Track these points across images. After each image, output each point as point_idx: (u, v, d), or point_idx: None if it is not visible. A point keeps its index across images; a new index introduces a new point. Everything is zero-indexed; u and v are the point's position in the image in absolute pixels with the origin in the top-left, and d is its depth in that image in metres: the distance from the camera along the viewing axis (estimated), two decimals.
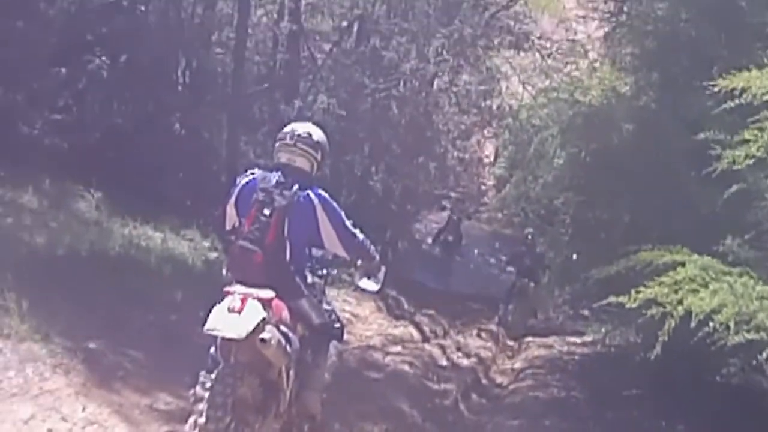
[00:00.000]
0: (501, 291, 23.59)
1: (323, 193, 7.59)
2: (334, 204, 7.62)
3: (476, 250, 32.96)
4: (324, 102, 22.61)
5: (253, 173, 7.77)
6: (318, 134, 7.84)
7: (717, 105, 9.82)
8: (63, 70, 19.04)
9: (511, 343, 20.43)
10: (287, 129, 7.84)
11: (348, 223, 7.68)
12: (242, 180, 7.77)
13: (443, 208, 31.58)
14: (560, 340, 19.82)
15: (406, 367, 14.97)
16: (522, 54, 26.37)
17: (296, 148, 7.67)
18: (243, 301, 6.98)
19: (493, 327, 21.56)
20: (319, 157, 7.78)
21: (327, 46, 25.87)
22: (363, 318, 18.64)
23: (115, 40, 21.03)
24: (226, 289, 7.17)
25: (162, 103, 21.69)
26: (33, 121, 19.10)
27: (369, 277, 8.32)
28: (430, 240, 31.12)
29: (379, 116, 24.70)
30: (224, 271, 7.77)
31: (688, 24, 12.96)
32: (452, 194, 33.11)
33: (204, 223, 18.08)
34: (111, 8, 21.37)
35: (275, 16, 24.48)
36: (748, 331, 8.35)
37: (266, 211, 7.42)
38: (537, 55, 25.19)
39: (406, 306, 22.25)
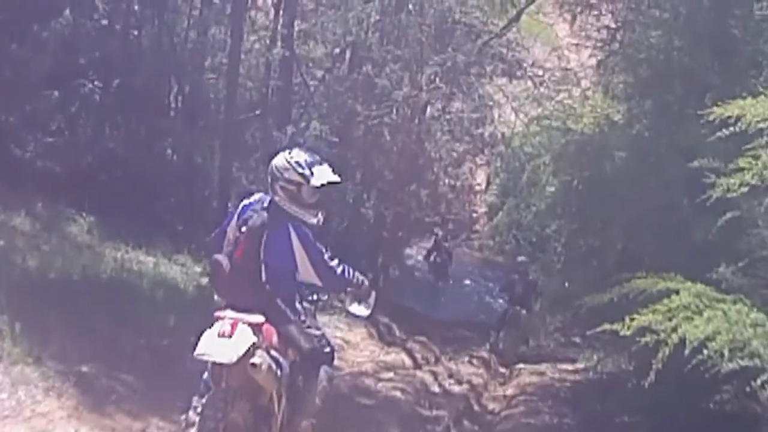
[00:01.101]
0: (493, 318, 23.68)
1: (303, 227, 7.62)
2: (313, 240, 7.67)
3: (468, 277, 32.96)
4: (316, 128, 22.55)
5: (255, 197, 7.86)
6: (281, 162, 7.76)
7: (711, 133, 9.81)
8: (56, 93, 19.15)
9: (503, 370, 20.39)
10: (271, 165, 7.85)
11: (326, 256, 7.74)
12: (243, 202, 7.85)
13: (434, 235, 31.60)
14: (552, 367, 19.77)
15: (398, 394, 14.93)
16: (515, 82, 26.46)
17: (275, 187, 7.71)
18: (233, 326, 7.03)
19: (484, 354, 21.52)
20: (294, 181, 7.71)
21: (320, 73, 25.95)
22: (354, 344, 18.61)
23: (108, 64, 21.17)
24: (217, 314, 7.22)
25: (154, 127, 21.75)
26: (26, 143, 19.21)
27: (359, 302, 8.34)
28: (421, 259, 31.19)
29: (371, 143, 24.69)
30: (216, 295, 7.80)
31: (681, 52, 12.98)
32: (443, 221, 33.13)
33: (196, 247, 18.02)
34: (104, 32, 21.51)
35: (268, 42, 24.49)
36: (742, 358, 8.35)
37: (242, 229, 7.57)
38: (530, 83, 25.28)
39: (398, 332, 22.22)
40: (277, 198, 7.69)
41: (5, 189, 16.28)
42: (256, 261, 7.49)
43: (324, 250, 7.71)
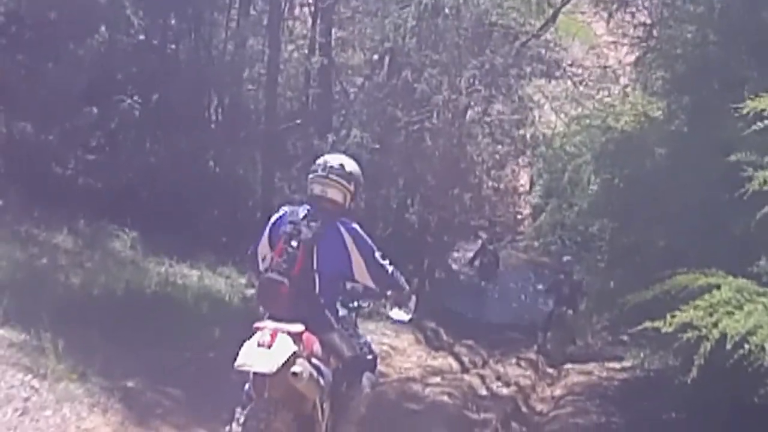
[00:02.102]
0: (539, 319, 23.58)
1: (353, 224, 7.63)
2: (364, 235, 7.64)
3: (514, 279, 32.87)
4: (357, 136, 22.53)
5: (283, 210, 7.83)
6: (351, 165, 7.87)
7: (747, 126, 9.78)
8: (95, 109, 19.15)
9: (550, 370, 20.37)
10: (320, 161, 7.89)
11: (377, 254, 7.69)
12: (273, 218, 7.84)
13: (479, 238, 31.56)
14: (599, 366, 19.74)
15: (446, 398, 14.94)
16: (554, 82, 26.38)
17: (328, 180, 7.71)
18: (273, 335, 7.01)
19: (532, 355, 21.51)
20: (352, 188, 7.81)
21: (359, 80, 26.07)
22: (401, 350, 18.62)
23: (146, 79, 21.23)
24: (256, 324, 7.21)
25: (195, 140, 21.78)
26: (66, 161, 19.34)
27: (400, 307, 8.25)
28: (467, 262, 31.13)
29: (412, 149, 24.71)
30: (261, 308, 7.78)
31: (717, 46, 12.92)
32: (487, 223, 33.12)
33: (240, 259, 18.03)
34: (141, 48, 21.56)
35: (306, 51, 24.61)
36: None
37: (293, 243, 7.47)
38: (569, 82, 25.23)
39: (444, 337, 22.24)
40: (332, 195, 7.75)
41: (47, 207, 16.44)
42: (312, 273, 7.48)
43: (375, 248, 7.70)
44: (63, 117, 18.83)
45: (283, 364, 6.89)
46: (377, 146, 22.84)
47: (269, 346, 6.96)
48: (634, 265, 13.89)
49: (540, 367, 20.47)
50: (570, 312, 21.58)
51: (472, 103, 25.49)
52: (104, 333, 11.60)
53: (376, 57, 25.46)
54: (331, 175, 7.73)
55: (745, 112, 9.61)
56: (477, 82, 24.28)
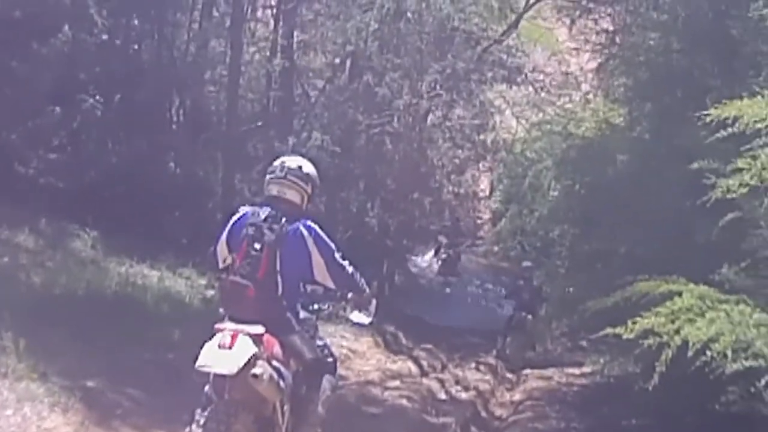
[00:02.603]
0: (499, 324, 23.59)
1: (313, 225, 7.61)
2: (324, 236, 7.62)
3: (474, 283, 32.97)
4: (318, 139, 22.55)
5: (243, 210, 7.79)
6: (308, 167, 7.86)
7: (710, 134, 9.80)
8: (58, 109, 19.10)
9: (509, 375, 20.38)
10: (277, 162, 7.87)
11: (337, 255, 7.67)
12: (233, 218, 7.78)
13: (439, 243, 31.67)
14: (559, 371, 19.78)
15: (405, 402, 14.93)
16: (515, 88, 26.47)
17: (286, 180, 7.69)
18: (233, 337, 6.99)
19: (491, 360, 21.50)
20: (309, 189, 7.81)
21: (320, 83, 25.99)
22: (361, 353, 18.60)
23: (109, 79, 21.18)
24: (217, 326, 7.18)
25: (156, 141, 21.74)
26: (29, 160, 19.24)
27: (360, 310, 8.26)
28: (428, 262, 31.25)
29: (373, 152, 24.80)
30: (221, 309, 7.73)
31: (680, 54, 13.00)
32: (447, 227, 33.21)
33: (201, 261, 17.99)
34: (104, 48, 21.52)
35: (268, 53, 24.52)
36: (746, 359, 8.33)
37: (257, 246, 7.43)
38: (530, 88, 25.32)
39: (404, 341, 22.22)
40: (290, 197, 7.72)
41: (9, 206, 16.30)
42: (275, 276, 7.45)
43: (335, 249, 7.67)
44: (26, 116, 18.77)
45: (244, 366, 6.86)
46: (338, 149, 22.87)
47: (230, 348, 6.93)
48: (595, 271, 13.96)
49: (499, 372, 20.48)
50: (530, 317, 21.60)
51: (434, 108, 25.48)
52: (65, 333, 11.56)
53: (338, 60, 25.55)
54: (288, 176, 7.71)
55: (708, 120, 9.62)
56: (438, 87, 24.29)
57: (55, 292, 13.88)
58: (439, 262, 30.95)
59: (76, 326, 11.84)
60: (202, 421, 7.03)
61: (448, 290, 31.10)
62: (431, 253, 31.91)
